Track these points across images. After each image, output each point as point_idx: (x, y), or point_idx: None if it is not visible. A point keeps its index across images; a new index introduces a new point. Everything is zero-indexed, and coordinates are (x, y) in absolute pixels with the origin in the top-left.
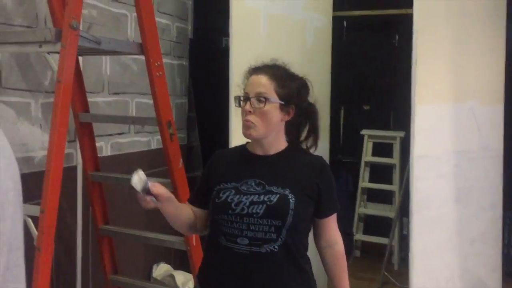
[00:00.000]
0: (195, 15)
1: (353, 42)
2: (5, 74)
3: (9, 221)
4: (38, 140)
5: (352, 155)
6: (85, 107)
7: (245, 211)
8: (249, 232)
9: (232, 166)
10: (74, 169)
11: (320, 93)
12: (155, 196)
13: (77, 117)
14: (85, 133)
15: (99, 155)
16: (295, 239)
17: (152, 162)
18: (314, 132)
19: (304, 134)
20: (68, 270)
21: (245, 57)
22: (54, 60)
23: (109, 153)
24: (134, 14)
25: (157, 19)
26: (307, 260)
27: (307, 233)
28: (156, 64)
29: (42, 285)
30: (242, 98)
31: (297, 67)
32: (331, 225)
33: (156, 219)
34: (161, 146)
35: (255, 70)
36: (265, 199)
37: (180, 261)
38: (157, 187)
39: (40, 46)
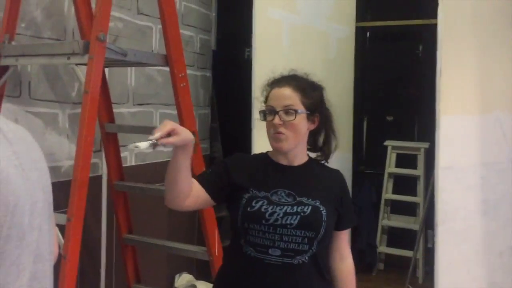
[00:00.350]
0: (218, 27)
1: (376, 52)
2: (34, 85)
3: (36, 232)
4: (65, 150)
5: (375, 166)
6: (111, 118)
7: (278, 222)
8: (282, 243)
9: (259, 174)
10: (99, 178)
11: (343, 104)
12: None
13: (103, 127)
14: (111, 143)
15: (123, 165)
16: (322, 250)
17: None
18: (332, 136)
19: (321, 140)
20: (92, 278)
21: (268, 68)
22: (81, 72)
23: (133, 163)
24: (159, 26)
25: (181, 31)
26: (328, 271)
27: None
28: (180, 75)
29: None
30: (267, 112)
31: (320, 78)
32: (346, 239)
33: (179, 229)
34: None
35: (277, 83)
36: (299, 210)
37: (202, 271)
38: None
39: (68, 58)
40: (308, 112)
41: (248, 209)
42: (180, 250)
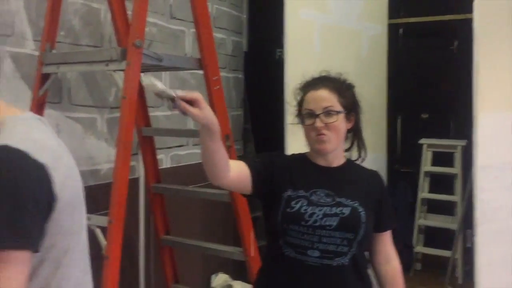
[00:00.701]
0: (249, 28)
1: (410, 49)
2: (73, 91)
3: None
4: (103, 154)
5: (410, 165)
6: (147, 122)
7: (317, 223)
8: (321, 244)
9: (298, 173)
10: (136, 181)
11: (376, 102)
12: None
13: (140, 131)
14: (147, 146)
15: (160, 167)
16: (362, 252)
17: None
18: (359, 135)
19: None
20: (132, 279)
21: (300, 69)
22: (119, 77)
23: (169, 165)
24: (191, 30)
25: (213, 34)
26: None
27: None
28: (214, 79)
29: None
30: (306, 116)
31: (352, 77)
32: (389, 240)
33: (214, 230)
34: None
35: (312, 86)
36: (338, 211)
37: (238, 271)
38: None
39: (107, 65)
40: (346, 112)
41: (288, 209)
42: (217, 250)
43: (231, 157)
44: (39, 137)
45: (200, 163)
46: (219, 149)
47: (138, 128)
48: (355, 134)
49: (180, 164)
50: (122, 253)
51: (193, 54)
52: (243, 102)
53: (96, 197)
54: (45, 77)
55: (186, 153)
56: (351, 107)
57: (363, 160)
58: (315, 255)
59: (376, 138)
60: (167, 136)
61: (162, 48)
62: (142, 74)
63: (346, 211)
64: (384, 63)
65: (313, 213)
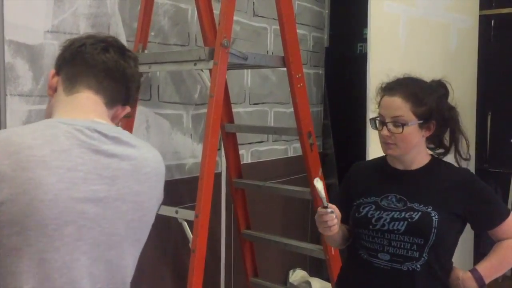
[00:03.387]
0: (331, 24)
1: (502, 42)
2: (162, 89)
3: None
4: (188, 149)
5: (500, 165)
6: (230, 118)
7: (385, 227)
8: (391, 248)
9: (372, 180)
10: (219, 176)
11: (464, 98)
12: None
13: (223, 127)
14: (230, 142)
15: (241, 162)
16: (440, 258)
17: (289, 169)
18: (459, 137)
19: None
20: (213, 272)
21: (383, 63)
22: (206, 76)
23: (249, 161)
24: (274, 27)
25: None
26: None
27: (453, 250)
28: (297, 76)
29: (196, 284)
30: (377, 121)
31: (439, 72)
32: (505, 233)
33: (292, 226)
34: (297, 154)
35: (388, 90)
36: (407, 216)
37: (315, 268)
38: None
39: (195, 64)
40: (421, 122)
41: (356, 214)
42: (297, 247)
43: (314, 155)
44: (23, 142)
45: (279, 159)
46: (340, 235)
47: (222, 124)
48: (444, 136)
49: (260, 160)
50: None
51: (275, 51)
52: (323, 97)
53: (181, 191)
54: None
55: (266, 149)
56: (430, 115)
57: (461, 160)
58: (385, 258)
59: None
60: (249, 132)
61: (245, 45)
62: (316, 179)
63: (416, 215)
64: (474, 57)
65: (380, 218)
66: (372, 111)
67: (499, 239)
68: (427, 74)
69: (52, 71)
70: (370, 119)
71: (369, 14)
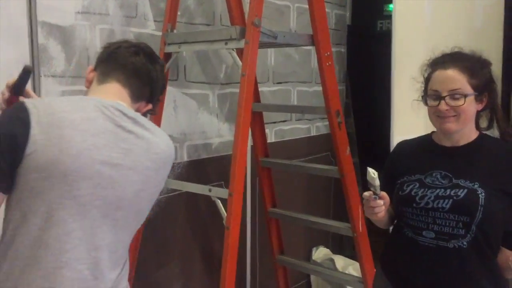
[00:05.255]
0: (353, 1)
1: None
2: (188, 69)
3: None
4: (215, 128)
5: None
6: (257, 97)
7: (430, 205)
8: (436, 226)
9: (416, 158)
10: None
11: None
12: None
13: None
14: (257, 122)
15: None
16: (488, 235)
17: (312, 148)
18: (498, 111)
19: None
20: (239, 249)
21: (408, 41)
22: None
23: (273, 140)
24: (296, 5)
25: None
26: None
27: (502, 227)
28: (326, 54)
29: (230, 261)
30: (430, 97)
31: (464, 48)
32: None
33: (315, 203)
34: (320, 133)
35: (441, 64)
36: (452, 193)
37: (338, 245)
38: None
39: (226, 44)
40: (477, 93)
41: (400, 192)
42: (324, 225)
43: (342, 133)
44: (62, 109)
45: (303, 137)
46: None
47: None
48: (491, 113)
49: (283, 139)
50: None
51: (297, 29)
52: (345, 76)
53: (208, 170)
54: (167, 56)
55: (289, 128)
56: (484, 88)
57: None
58: (430, 236)
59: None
60: (276, 111)
61: (268, 24)
62: (369, 169)
63: (461, 193)
64: (500, 34)
65: (424, 196)
66: (416, 90)
67: None
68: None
69: (90, 67)
70: (421, 96)
71: None
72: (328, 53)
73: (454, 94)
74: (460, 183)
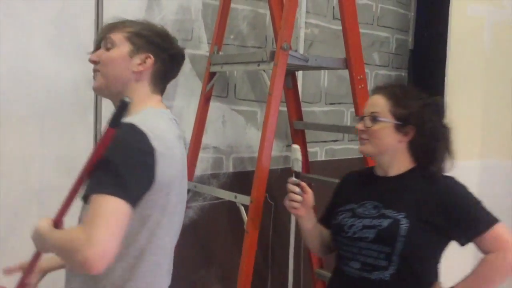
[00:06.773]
0: (416, 26)
1: None
2: (238, 87)
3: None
4: None
5: None
6: (299, 116)
7: (356, 235)
8: (361, 256)
9: (354, 187)
10: (288, 170)
11: None
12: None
13: (292, 124)
14: (299, 139)
15: (314, 159)
16: (414, 268)
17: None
18: (447, 155)
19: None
20: (282, 260)
21: (464, 67)
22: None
23: (323, 158)
24: None
25: (376, 32)
26: None
27: (434, 262)
28: (359, 78)
29: (247, 262)
30: (359, 119)
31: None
32: (491, 242)
33: None
34: None
35: (375, 90)
36: (377, 223)
37: None
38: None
39: (258, 65)
40: (399, 123)
41: (333, 221)
42: None
43: None
44: (162, 128)
45: (353, 158)
46: (319, 227)
47: (291, 121)
48: (427, 148)
49: (334, 158)
50: (273, 236)
51: None
52: None
53: (252, 181)
54: (212, 75)
55: (340, 148)
56: (407, 119)
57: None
58: (356, 266)
59: (502, 143)
60: (316, 130)
61: (323, 47)
62: (294, 146)
63: (385, 223)
64: None
65: (352, 225)
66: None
67: (486, 252)
68: None
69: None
70: (355, 116)
71: (450, 17)
72: (361, 76)
73: (371, 117)
74: (386, 213)
